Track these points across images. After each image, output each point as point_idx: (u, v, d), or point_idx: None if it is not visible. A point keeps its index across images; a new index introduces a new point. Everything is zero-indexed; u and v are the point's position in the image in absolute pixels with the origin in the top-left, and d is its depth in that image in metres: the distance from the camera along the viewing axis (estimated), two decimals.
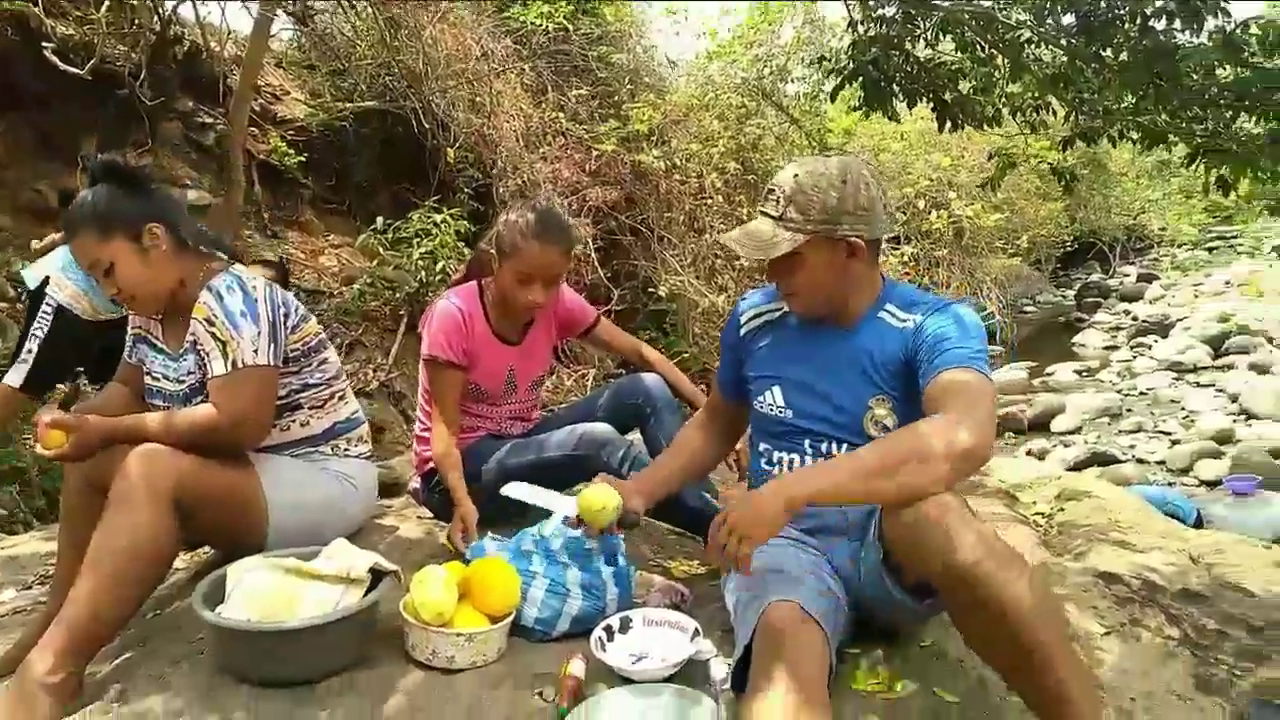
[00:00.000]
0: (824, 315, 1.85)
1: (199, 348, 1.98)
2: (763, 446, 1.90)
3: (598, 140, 7.62)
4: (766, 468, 1.88)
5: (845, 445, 1.78)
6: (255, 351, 1.95)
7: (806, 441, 1.82)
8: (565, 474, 2.29)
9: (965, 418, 1.48)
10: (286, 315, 2.05)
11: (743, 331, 1.98)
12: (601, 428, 2.29)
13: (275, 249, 6.89)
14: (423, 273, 6.60)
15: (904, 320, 1.77)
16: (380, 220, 6.74)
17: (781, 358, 1.89)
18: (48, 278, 3.34)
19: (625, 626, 1.81)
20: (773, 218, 1.76)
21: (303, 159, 7.04)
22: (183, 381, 2.04)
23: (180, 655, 1.78)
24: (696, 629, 1.76)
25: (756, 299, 2.01)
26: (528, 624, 1.85)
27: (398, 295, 6.81)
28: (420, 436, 2.47)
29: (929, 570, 1.45)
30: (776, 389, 1.87)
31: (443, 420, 2.32)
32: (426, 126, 7.19)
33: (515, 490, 2.10)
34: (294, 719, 1.56)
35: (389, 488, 2.76)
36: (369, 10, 7.12)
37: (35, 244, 3.64)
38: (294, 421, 2.12)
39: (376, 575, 1.79)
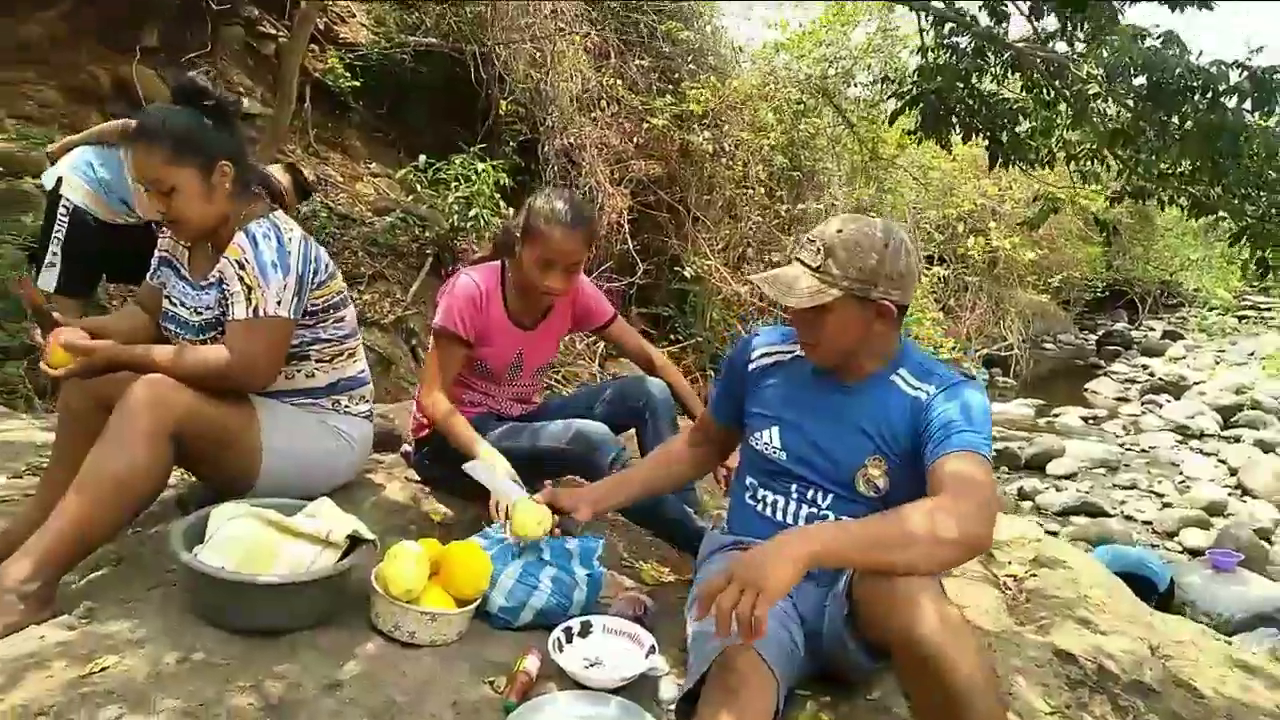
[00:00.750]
0: (836, 368, 1.86)
1: (225, 286, 2.01)
2: (749, 480, 1.93)
3: (651, 113, 7.59)
4: (750, 501, 1.91)
5: (831, 496, 1.81)
6: (279, 303, 1.98)
7: (794, 486, 1.85)
8: (554, 466, 2.33)
9: (976, 511, 1.51)
10: (315, 271, 2.08)
11: (751, 367, 1.99)
12: (597, 427, 2.33)
13: (315, 167, 6.93)
14: (455, 216, 6.62)
15: (916, 389, 1.79)
16: (423, 158, 6.76)
17: (786, 401, 1.91)
18: (60, 178, 3.36)
19: (585, 631, 1.85)
20: (809, 267, 1.76)
21: (357, 84, 7.05)
22: (200, 313, 2.08)
23: (153, 583, 1.83)
24: (653, 645, 1.80)
25: (771, 336, 2.02)
26: (492, 610, 1.90)
27: (428, 234, 6.85)
28: (420, 401, 2.51)
29: (889, 637, 1.48)
30: (775, 430, 1.88)
31: (438, 388, 2.35)
32: (484, 75, 7.18)
33: (475, 470, 2.13)
34: (251, 665, 1.61)
35: (385, 440, 2.80)
36: None
37: (51, 146, 3.67)
38: (299, 371, 2.16)
39: (354, 540, 1.84)
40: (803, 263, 1.78)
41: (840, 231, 1.76)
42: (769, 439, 1.88)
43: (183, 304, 2.12)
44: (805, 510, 1.83)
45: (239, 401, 2.03)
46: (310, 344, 2.15)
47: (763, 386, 1.95)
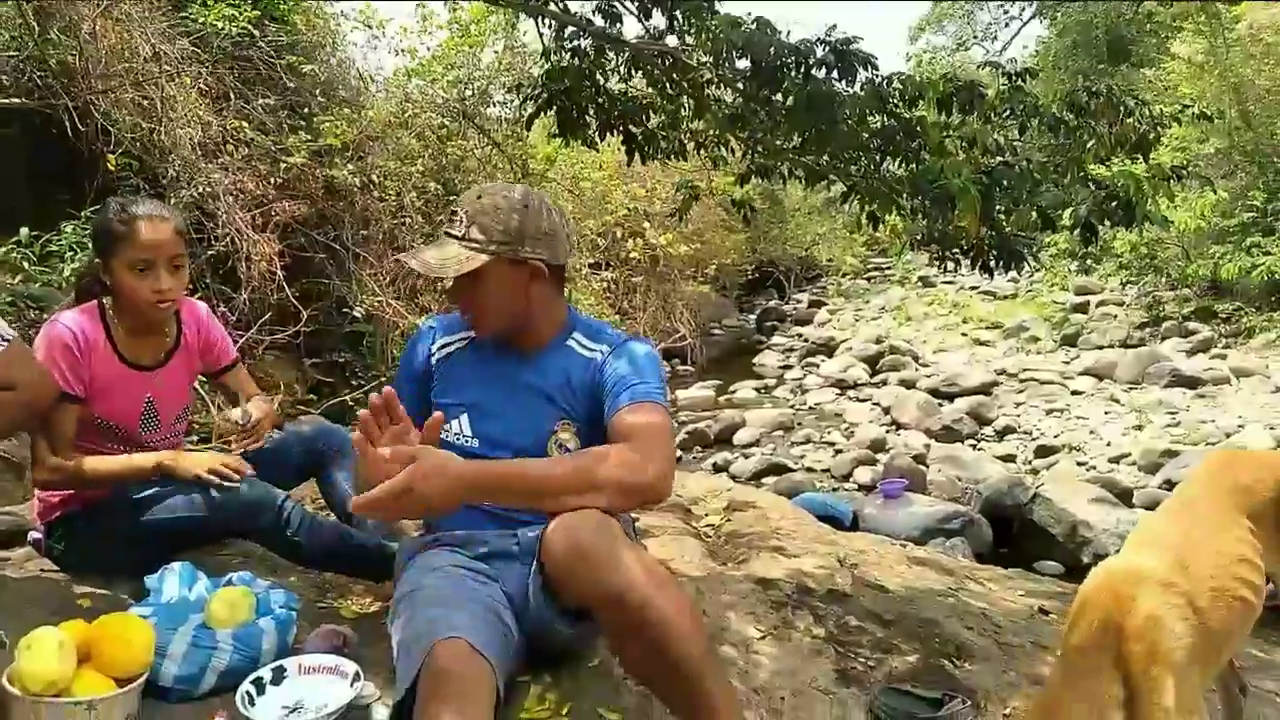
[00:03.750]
0: (509, 339, 1.85)
1: None
2: None
3: (286, 152, 7.20)
4: None
5: None
6: None
7: None
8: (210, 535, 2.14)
9: (652, 459, 1.57)
10: None
11: (434, 359, 1.92)
12: (258, 492, 2.12)
13: None
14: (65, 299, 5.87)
15: (591, 351, 1.84)
16: (25, 231, 5.92)
17: (466, 383, 1.87)
18: None
19: (279, 677, 1.67)
20: (455, 238, 1.76)
21: None
22: None
23: None
24: (357, 672, 1.66)
25: (442, 327, 1.97)
26: (166, 683, 1.66)
27: (45, 315, 6.00)
28: (36, 479, 2.16)
29: (585, 593, 1.48)
30: (464, 418, 1.84)
31: (48, 451, 2.03)
32: (83, 130, 6.43)
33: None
34: None
35: (10, 536, 2.40)
36: None
37: None
38: None
39: None
40: (450, 234, 1.77)
41: (480, 198, 1.78)
42: (459, 429, 1.83)
43: None
44: None
45: None
46: None
47: (445, 375, 1.91)
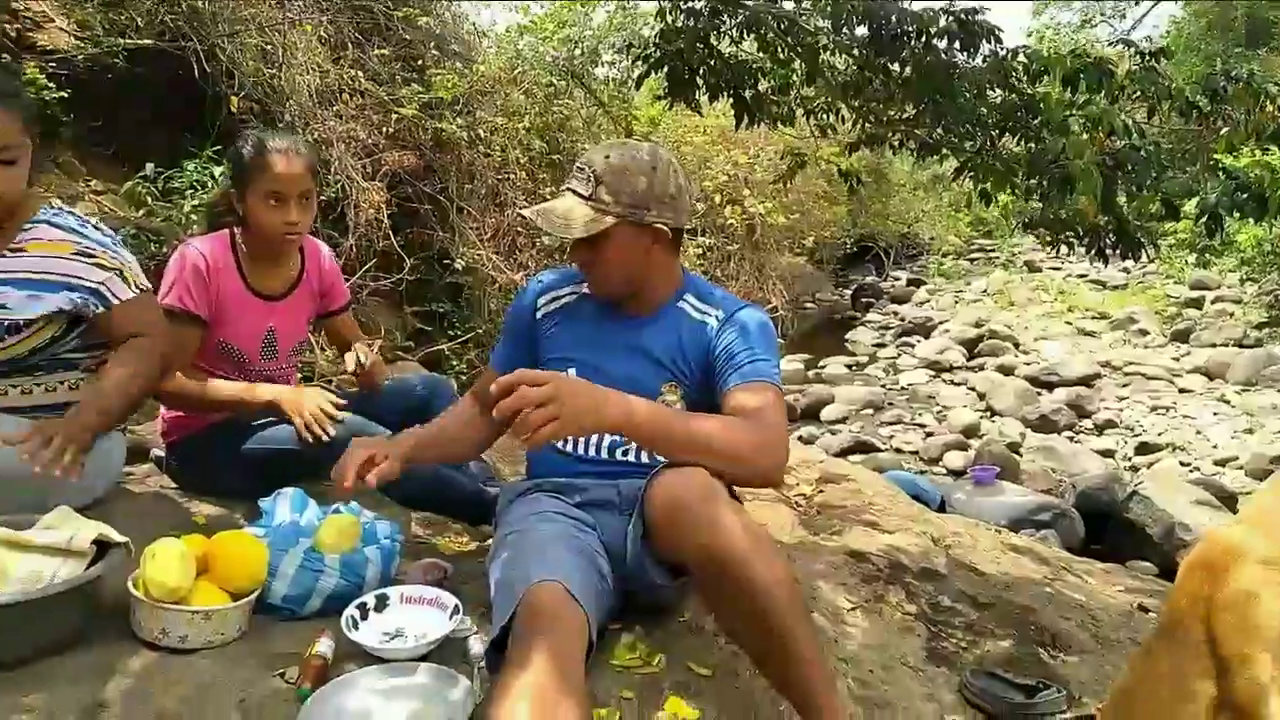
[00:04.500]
0: (622, 300, 1.85)
1: (73, 279, 1.82)
2: None
3: (398, 103, 7.33)
4: (559, 446, 1.86)
5: None
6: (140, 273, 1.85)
7: None
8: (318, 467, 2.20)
9: (773, 447, 1.58)
10: None
11: (539, 314, 1.94)
12: (357, 430, 2.16)
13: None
14: (194, 226, 6.11)
15: (702, 314, 1.83)
16: (150, 167, 6.17)
17: (578, 341, 1.87)
18: None
19: (381, 605, 1.73)
20: (581, 196, 1.74)
21: (64, 94, 6.34)
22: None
23: None
24: (457, 605, 1.70)
25: (552, 280, 1.97)
26: (275, 601, 1.73)
27: (164, 249, 6.28)
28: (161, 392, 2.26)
29: (685, 551, 1.48)
30: (571, 372, 1.82)
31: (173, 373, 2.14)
32: (209, 72, 6.65)
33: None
34: None
35: (133, 453, 2.52)
36: None
37: None
38: (63, 383, 1.91)
39: (102, 546, 1.62)
40: (575, 192, 1.75)
41: (609, 158, 1.75)
42: None
43: None
44: (608, 440, 1.81)
45: None
46: (81, 351, 1.89)
47: (553, 331, 1.91)
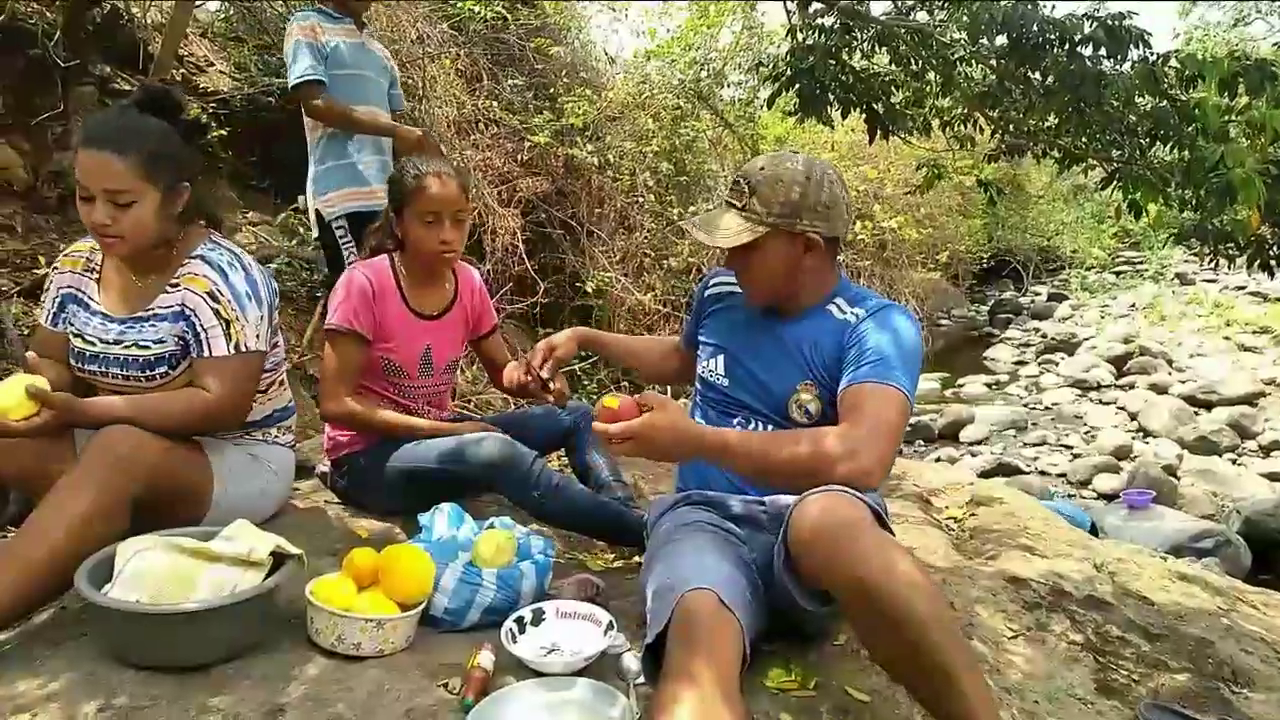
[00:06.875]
0: (774, 305, 1.89)
1: (193, 319, 1.88)
2: (698, 418, 1.94)
3: (531, 131, 7.53)
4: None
5: (771, 427, 1.83)
6: (257, 337, 1.90)
7: (737, 419, 1.87)
8: (467, 485, 2.28)
9: (869, 450, 1.57)
10: (274, 299, 1.98)
11: (708, 293, 2.06)
12: (505, 451, 2.20)
13: None
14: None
15: (847, 314, 1.84)
16: (302, 200, 6.54)
17: (731, 331, 1.96)
18: (317, 211, 3.31)
19: (537, 619, 1.76)
20: (735, 207, 1.80)
21: (223, 133, 6.80)
22: (146, 347, 1.90)
23: (60, 633, 1.67)
24: (611, 622, 1.72)
25: (721, 270, 2.07)
26: (437, 613, 1.79)
27: (315, 276, 6.62)
28: (327, 411, 2.38)
29: (830, 581, 1.45)
30: (720, 358, 1.93)
31: (343, 392, 2.25)
32: None
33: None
34: (180, 703, 1.47)
35: (297, 469, 2.66)
36: None
37: None
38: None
39: (278, 559, 1.71)
40: (730, 203, 1.82)
41: (763, 169, 1.79)
42: (714, 366, 1.93)
43: (105, 340, 1.92)
44: None
45: (192, 448, 1.90)
46: None
47: (714, 316, 2.02)
